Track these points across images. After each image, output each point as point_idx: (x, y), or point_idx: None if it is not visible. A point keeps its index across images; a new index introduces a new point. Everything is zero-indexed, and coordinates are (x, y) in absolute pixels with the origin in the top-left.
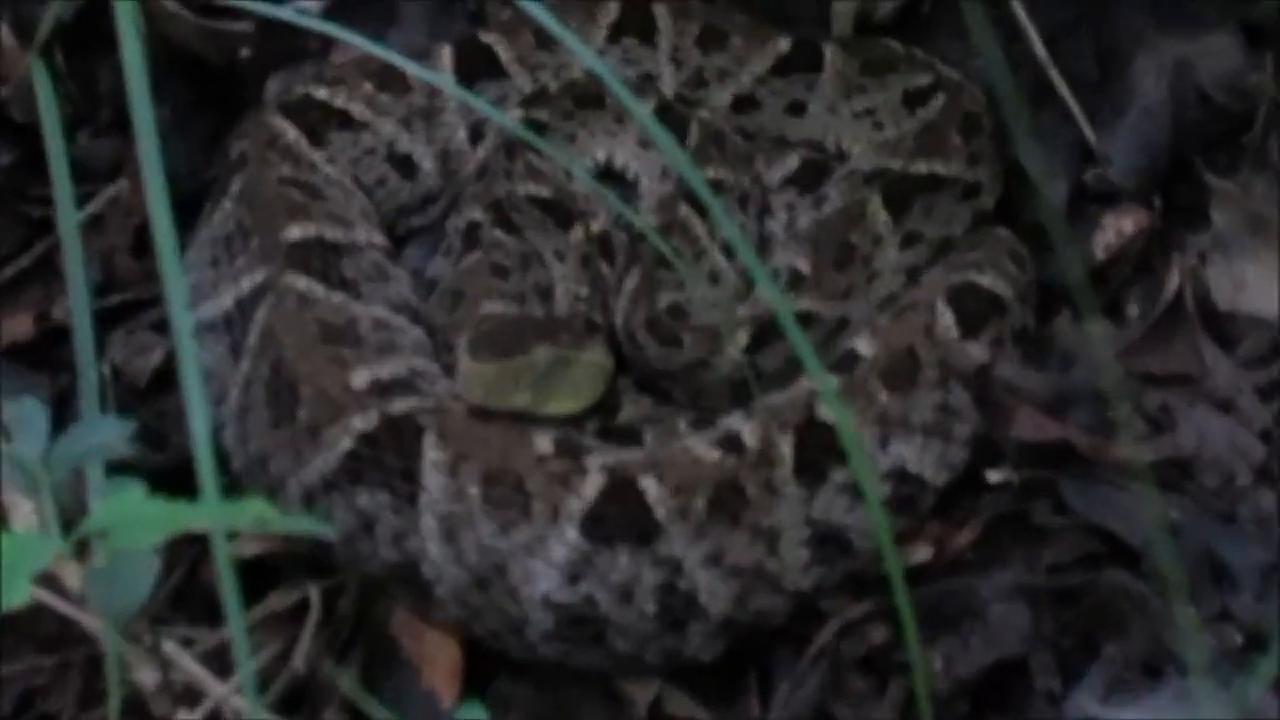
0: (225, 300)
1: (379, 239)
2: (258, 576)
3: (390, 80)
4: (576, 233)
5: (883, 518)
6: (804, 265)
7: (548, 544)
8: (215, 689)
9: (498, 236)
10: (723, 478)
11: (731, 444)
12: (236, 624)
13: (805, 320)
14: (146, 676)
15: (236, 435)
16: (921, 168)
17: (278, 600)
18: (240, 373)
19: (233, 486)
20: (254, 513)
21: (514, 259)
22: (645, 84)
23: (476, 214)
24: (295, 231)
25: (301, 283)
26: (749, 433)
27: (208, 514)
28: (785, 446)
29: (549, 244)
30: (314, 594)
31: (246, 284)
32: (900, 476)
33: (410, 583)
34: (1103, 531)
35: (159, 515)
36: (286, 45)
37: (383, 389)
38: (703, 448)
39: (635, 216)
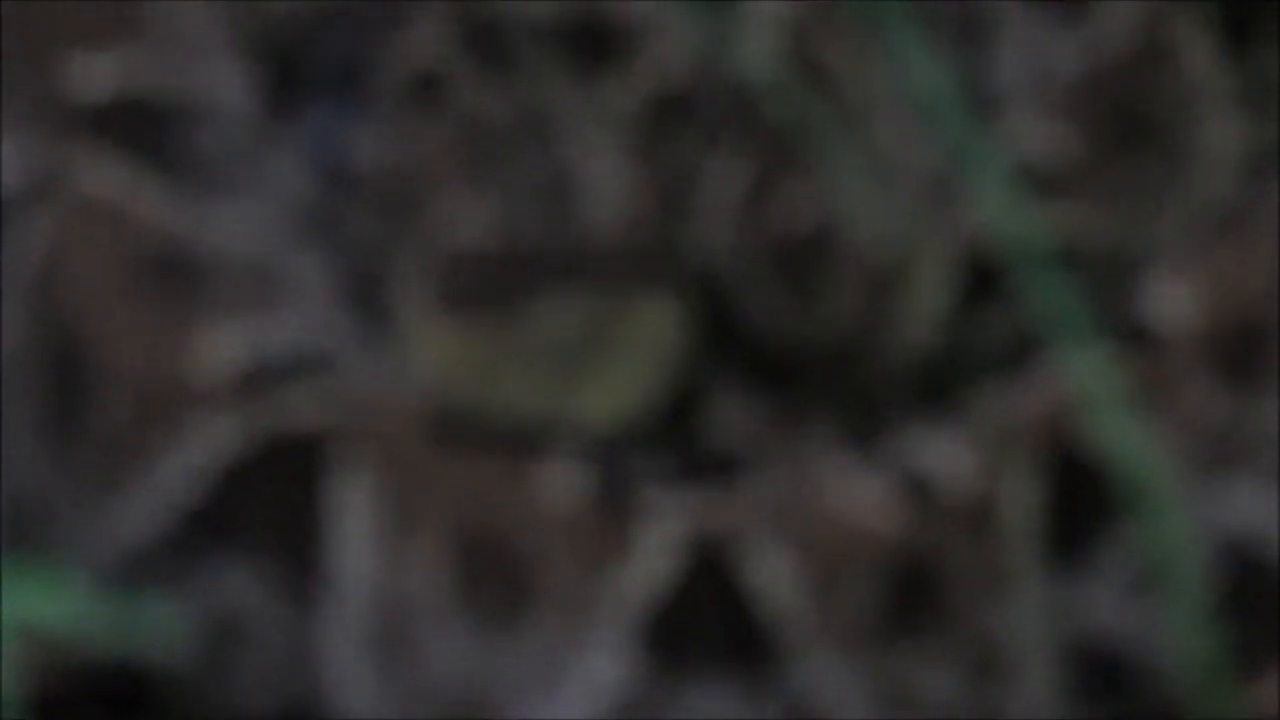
0: None
1: (248, 93)
2: None
3: None
4: (625, 81)
5: (1205, 626)
6: (1062, 143)
7: (574, 668)
8: None
9: (476, 92)
10: (899, 550)
11: (915, 487)
12: None
13: (1064, 253)
14: None
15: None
16: None
17: None
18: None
19: None
20: (19, 612)
21: (508, 130)
22: None
23: (438, 49)
24: (92, 77)
25: (107, 177)
26: (948, 467)
27: None
28: (1018, 494)
29: (573, 103)
30: None
31: (3, 177)
32: (1239, 550)
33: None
34: None
35: None
36: None
37: (256, 374)
38: (862, 494)
39: (738, 50)
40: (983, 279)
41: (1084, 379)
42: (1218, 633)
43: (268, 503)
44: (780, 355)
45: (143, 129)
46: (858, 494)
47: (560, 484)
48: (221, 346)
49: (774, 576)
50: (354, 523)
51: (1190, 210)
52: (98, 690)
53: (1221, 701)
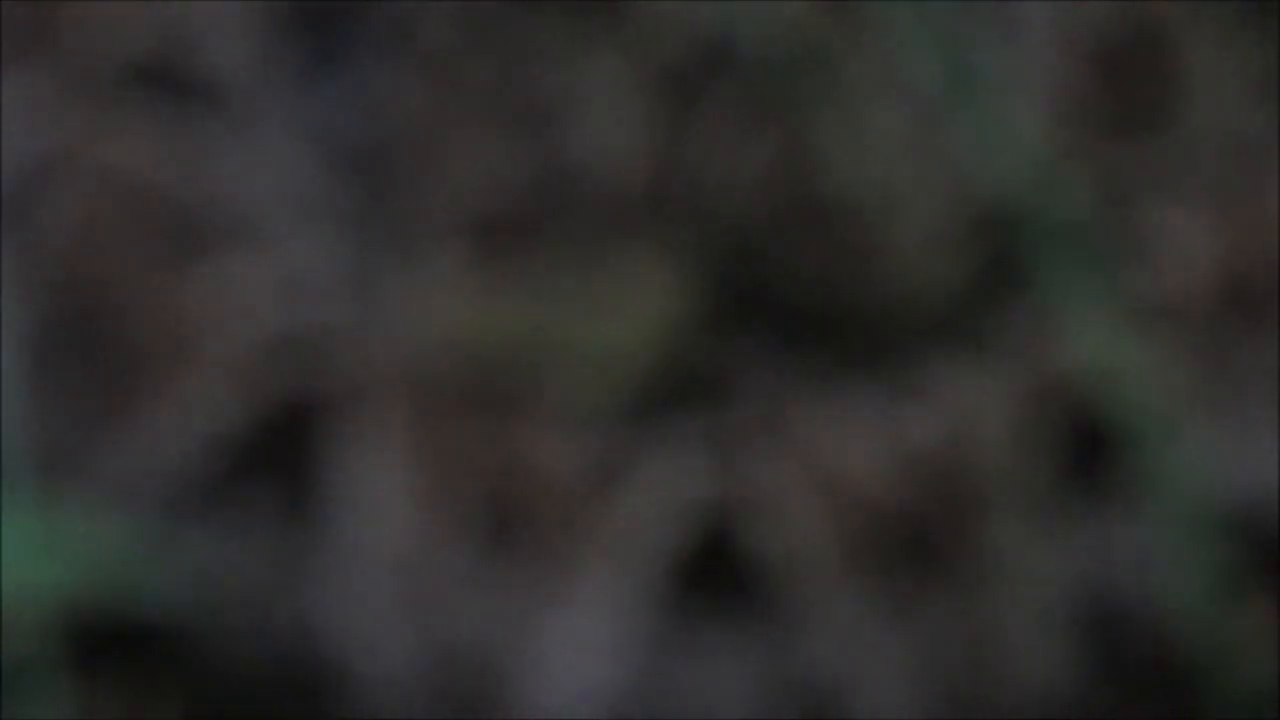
0: None
1: (267, 50)
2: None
3: None
4: (639, 44)
5: (1207, 573)
6: (1077, 90)
7: (589, 631)
8: None
9: (492, 54)
10: (907, 498)
11: (923, 436)
12: None
13: (1078, 202)
14: None
15: (15, 406)
16: None
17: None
18: (23, 306)
19: None
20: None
21: (523, 93)
22: None
23: (451, 12)
24: (111, 36)
25: (132, 148)
26: (956, 416)
27: None
28: (1024, 442)
29: (571, 55)
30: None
31: (24, 146)
32: (1243, 506)
33: (316, 685)
34: None
35: None
36: None
37: (277, 332)
38: (872, 443)
39: (754, 10)
40: (1000, 234)
41: (1096, 337)
42: (1227, 581)
43: (282, 460)
44: (794, 315)
45: (164, 85)
46: (869, 455)
47: (575, 445)
48: (240, 305)
49: (785, 540)
50: (369, 480)
51: (1196, 151)
52: (107, 642)
53: (1219, 644)
